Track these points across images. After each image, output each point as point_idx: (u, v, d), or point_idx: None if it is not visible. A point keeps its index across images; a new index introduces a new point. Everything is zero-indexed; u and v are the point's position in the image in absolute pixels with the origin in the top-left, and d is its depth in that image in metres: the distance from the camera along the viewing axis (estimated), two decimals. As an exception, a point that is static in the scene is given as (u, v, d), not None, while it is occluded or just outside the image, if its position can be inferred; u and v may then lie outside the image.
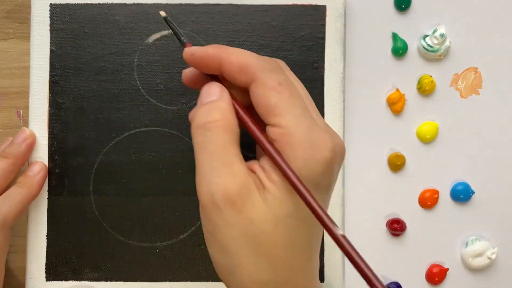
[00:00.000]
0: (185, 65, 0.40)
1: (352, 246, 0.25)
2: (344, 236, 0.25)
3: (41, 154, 0.40)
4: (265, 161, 0.29)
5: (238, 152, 0.28)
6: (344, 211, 0.42)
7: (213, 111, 0.29)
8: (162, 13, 0.34)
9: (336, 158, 0.28)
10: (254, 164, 0.29)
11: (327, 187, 0.29)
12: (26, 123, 0.41)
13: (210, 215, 0.28)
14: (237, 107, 0.30)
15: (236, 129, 0.29)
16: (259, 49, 0.41)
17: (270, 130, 0.28)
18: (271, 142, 0.28)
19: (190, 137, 0.39)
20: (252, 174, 0.28)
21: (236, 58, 0.29)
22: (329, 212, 0.40)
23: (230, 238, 0.28)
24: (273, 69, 0.29)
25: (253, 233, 0.27)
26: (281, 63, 0.31)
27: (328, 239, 0.41)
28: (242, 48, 0.40)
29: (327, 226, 0.26)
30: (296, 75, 0.40)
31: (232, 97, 0.30)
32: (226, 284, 0.29)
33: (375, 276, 0.25)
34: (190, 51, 0.31)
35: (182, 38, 0.33)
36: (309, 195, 0.26)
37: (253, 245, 0.27)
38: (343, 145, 0.30)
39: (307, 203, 0.26)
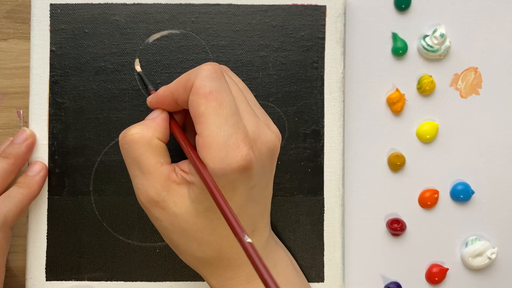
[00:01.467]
0: (185, 65, 0.40)
1: (256, 253, 0.28)
2: (251, 244, 0.28)
3: (41, 154, 0.40)
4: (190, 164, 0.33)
5: (155, 160, 0.33)
6: (344, 211, 0.42)
7: (133, 128, 0.33)
8: (138, 68, 0.40)
9: (251, 163, 0.31)
10: (184, 164, 0.33)
11: (247, 190, 0.33)
12: (26, 123, 0.41)
13: (146, 212, 0.34)
14: (173, 124, 0.35)
15: (155, 141, 0.33)
16: (259, 49, 0.41)
17: (196, 138, 0.32)
18: (193, 149, 0.32)
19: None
20: (179, 172, 0.33)
21: (178, 81, 0.33)
22: (329, 212, 0.41)
23: (163, 228, 0.34)
24: (209, 75, 0.32)
25: (178, 223, 0.33)
26: (218, 65, 0.34)
27: (327, 239, 0.41)
28: (242, 48, 0.40)
29: (234, 230, 0.29)
30: (296, 75, 0.40)
31: (172, 119, 0.35)
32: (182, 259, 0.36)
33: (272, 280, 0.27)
34: (148, 100, 0.36)
35: (149, 87, 0.39)
36: (223, 202, 0.30)
37: (179, 232, 0.33)
38: (272, 143, 0.33)
39: (221, 210, 0.30)
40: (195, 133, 0.32)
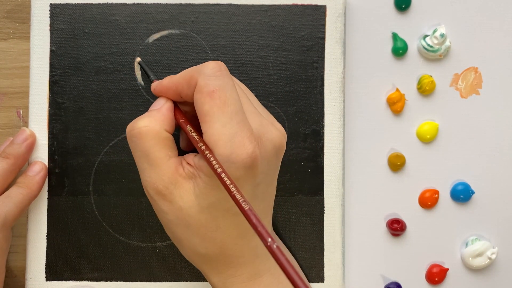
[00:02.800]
0: (185, 65, 0.40)
1: (285, 258, 0.27)
2: (278, 248, 0.28)
3: (41, 154, 0.40)
4: (198, 159, 0.33)
5: (164, 153, 0.33)
6: (344, 211, 0.42)
7: (140, 121, 0.33)
8: (138, 58, 0.40)
9: (257, 161, 0.31)
10: (190, 158, 0.33)
11: (252, 187, 0.33)
12: (26, 123, 0.41)
13: (152, 204, 0.34)
14: (178, 114, 0.35)
15: (163, 134, 0.33)
16: (259, 49, 0.41)
17: (203, 136, 0.32)
18: (204, 142, 0.32)
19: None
20: (186, 166, 0.33)
21: (182, 75, 0.34)
22: (329, 212, 0.41)
23: (167, 221, 0.34)
24: (213, 73, 0.32)
25: (183, 217, 0.33)
26: (222, 64, 0.34)
27: (327, 239, 0.41)
28: (242, 48, 0.40)
29: (260, 234, 0.28)
30: (296, 75, 0.41)
31: (177, 108, 0.35)
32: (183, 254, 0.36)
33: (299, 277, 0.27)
34: (152, 86, 0.36)
35: (151, 77, 0.39)
36: (237, 192, 0.30)
37: (183, 226, 0.33)
38: (278, 140, 0.34)
39: (243, 212, 0.29)
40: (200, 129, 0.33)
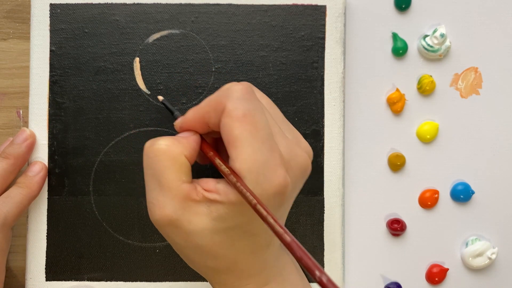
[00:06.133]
0: (185, 65, 0.40)
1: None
2: (329, 279, 0.27)
3: (41, 154, 0.40)
4: (224, 186, 0.31)
5: (177, 177, 0.31)
6: (344, 211, 0.42)
7: (162, 139, 0.32)
8: (160, 98, 0.39)
9: (287, 188, 0.31)
10: (209, 184, 0.32)
11: (276, 210, 0.32)
12: (26, 123, 0.41)
13: (156, 226, 0.33)
14: (206, 147, 0.33)
15: (181, 158, 0.32)
16: (259, 49, 0.41)
17: (231, 163, 0.31)
18: (235, 173, 0.30)
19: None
20: (200, 191, 0.31)
21: (207, 103, 0.32)
22: (329, 212, 0.41)
23: (174, 243, 0.33)
24: (241, 96, 0.31)
25: (192, 240, 0.32)
26: (249, 85, 0.32)
27: (327, 240, 0.41)
28: (242, 48, 0.40)
29: (308, 268, 0.27)
30: (296, 75, 0.41)
31: (204, 141, 0.34)
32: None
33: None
34: (176, 125, 0.34)
35: (175, 113, 0.37)
36: (276, 224, 0.29)
37: (193, 248, 0.32)
38: (305, 163, 0.33)
39: (287, 245, 0.28)
40: (225, 157, 0.32)
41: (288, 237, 0.28)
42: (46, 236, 0.40)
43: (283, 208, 0.33)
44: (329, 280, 0.26)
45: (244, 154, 0.30)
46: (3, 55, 0.41)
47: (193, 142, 0.33)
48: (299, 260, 0.27)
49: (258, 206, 0.29)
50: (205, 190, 0.32)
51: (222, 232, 0.31)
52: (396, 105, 0.42)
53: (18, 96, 0.41)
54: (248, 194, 0.29)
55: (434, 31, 0.41)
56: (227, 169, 0.31)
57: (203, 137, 0.34)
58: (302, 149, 0.33)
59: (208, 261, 0.33)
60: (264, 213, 0.29)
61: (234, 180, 0.30)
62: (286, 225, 0.41)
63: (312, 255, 0.41)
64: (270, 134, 0.31)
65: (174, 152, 0.32)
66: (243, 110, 0.30)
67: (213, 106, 0.32)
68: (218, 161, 0.32)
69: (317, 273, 0.26)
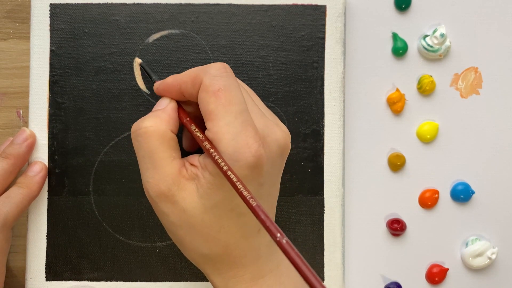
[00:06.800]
0: (185, 65, 0.40)
1: (295, 252, 0.27)
2: (288, 242, 0.27)
3: (41, 154, 0.40)
4: (203, 158, 0.33)
5: (168, 154, 0.33)
6: (344, 211, 0.42)
7: (146, 121, 0.33)
8: (138, 60, 0.40)
9: (261, 160, 0.31)
10: (194, 158, 0.34)
11: (256, 187, 0.32)
12: (26, 123, 0.41)
13: (152, 206, 0.34)
14: (182, 114, 0.35)
15: (168, 134, 0.33)
16: (259, 49, 0.41)
17: (206, 134, 0.32)
18: (209, 140, 0.32)
19: (190, 137, 0.39)
20: (189, 168, 0.33)
21: (187, 74, 0.34)
22: (329, 212, 0.41)
23: (169, 223, 0.33)
24: (219, 73, 0.33)
25: (186, 219, 0.33)
26: (228, 66, 0.34)
27: (327, 239, 0.41)
28: (242, 48, 0.40)
29: (268, 230, 0.28)
30: (296, 75, 0.41)
31: (180, 108, 0.35)
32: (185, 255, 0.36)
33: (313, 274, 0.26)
34: (155, 85, 0.36)
35: (153, 77, 0.38)
36: (244, 189, 0.30)
37: (186, 227, 0.33)
38: (283, 141, 0.34)
39: (250, 207, 0.29)
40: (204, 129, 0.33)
41: (254, 201, 0.29)
42: (46, 236, 0.40)
43: (264, 189, 0.33)
44: (287, 242, 0.27)
45: (217, 126, 0.31)
46: (3, 55, 0.41)
47: (172, 110, 0.34)
48: (262, 223, 0.28)
49: (229, 172, 0.30)
50: (191, 164, 0.33)
51: (210, 211, 0.32)
52: (396, 105, 0.42)
53: (18, 96, 0.41)
54: (220, 160, 0.31)
55: (434, 31, 0.41)
56: (202, 135, 0.33)
57: (179, 104, 0.35)
58: (281, 129, 0.34)
59: (200, 246, 0.33)
60: (234, 179, 0.30)
61: (208, 146, 0.31)
62: (286, 225, 0.41)
63: (312, 255, 0.41)
64: (244, 109, 0.32)
65: (161, 130, 0.33)
66: (218, 85, 0.32)
67: (191, 78, 0.33)
68: (193, 127, 0.33)
69: (278, 235, 0.27)
